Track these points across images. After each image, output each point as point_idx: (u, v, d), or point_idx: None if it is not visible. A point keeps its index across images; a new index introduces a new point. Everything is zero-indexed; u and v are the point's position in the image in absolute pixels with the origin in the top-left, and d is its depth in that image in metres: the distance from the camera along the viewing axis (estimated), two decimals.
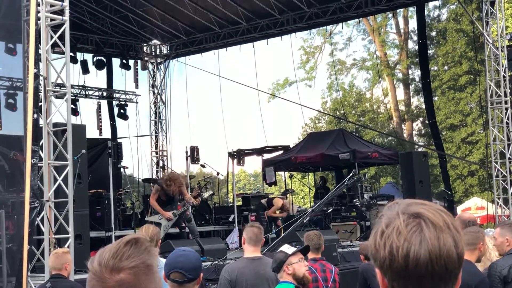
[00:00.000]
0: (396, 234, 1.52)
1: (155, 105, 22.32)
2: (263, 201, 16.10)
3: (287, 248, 5.39)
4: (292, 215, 16.04)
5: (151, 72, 22.34)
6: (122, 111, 21.28)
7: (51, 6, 9.42)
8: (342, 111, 37.07)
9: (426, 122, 32.03)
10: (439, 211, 1.56)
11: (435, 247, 1.49)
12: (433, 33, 36.88)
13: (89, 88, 21.15)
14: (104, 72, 21.01)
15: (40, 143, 8.99)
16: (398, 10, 34.88)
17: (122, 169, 15.29)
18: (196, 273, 3.68)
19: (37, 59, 8.98)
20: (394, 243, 1.51)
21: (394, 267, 1.51)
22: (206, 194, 14.46)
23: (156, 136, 22.27)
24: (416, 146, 34.29)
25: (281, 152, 21.45)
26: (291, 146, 21.75)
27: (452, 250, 1.51)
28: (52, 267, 6.69)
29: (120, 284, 1.66)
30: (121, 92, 21.85)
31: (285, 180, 22.61)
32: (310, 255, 6.74)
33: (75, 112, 19.21)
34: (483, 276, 5.39)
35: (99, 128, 21.06)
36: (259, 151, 21.42)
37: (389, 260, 1.52)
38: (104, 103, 21.55)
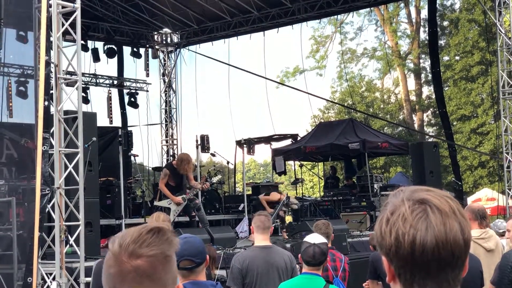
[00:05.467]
0: (402, 221, 1.51)
1: (165, 94, 22.32)
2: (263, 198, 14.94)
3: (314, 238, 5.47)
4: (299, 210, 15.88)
5: (162, 61, 22.34)
6: (132, 99, 21.31)
7: None
8: (351, 101, 36.92)
9: (437, 112, 31.96)
10: (445, 197, 1.56)
11: (441, 232, 1.49)
12: (445, 23, 36.67)
13: (99, 76, 21.18)
14: (115, 60, 21.02)
15: (51, 131, 9.00)
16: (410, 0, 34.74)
17: (132, 157, 15.30)
18: (202, 256, 3.79)
19: (49, 46, 8.97)
20: (400, 230, 1.51)
21: (401, 253, 1.51)
22: (214, 179, 14.39)
23: (166, 125, 22.29)
24: (427, 137, 34.15)
25: (289, 141, 21.43)
26: (299, 136, 21.72)
27: (459, 235, 1.51)
28: None
29: (136, 270, 1.68)
30: (131, 80, 21.87)
31: (294, 169, 22.61)
32: None
33: (85, 100, 19.22)
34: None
35: (110, 116, 21.09)
36: (267, 139, 21.40)
37: (395, 247, 1.51)
38: (114, 92, 21.57)
